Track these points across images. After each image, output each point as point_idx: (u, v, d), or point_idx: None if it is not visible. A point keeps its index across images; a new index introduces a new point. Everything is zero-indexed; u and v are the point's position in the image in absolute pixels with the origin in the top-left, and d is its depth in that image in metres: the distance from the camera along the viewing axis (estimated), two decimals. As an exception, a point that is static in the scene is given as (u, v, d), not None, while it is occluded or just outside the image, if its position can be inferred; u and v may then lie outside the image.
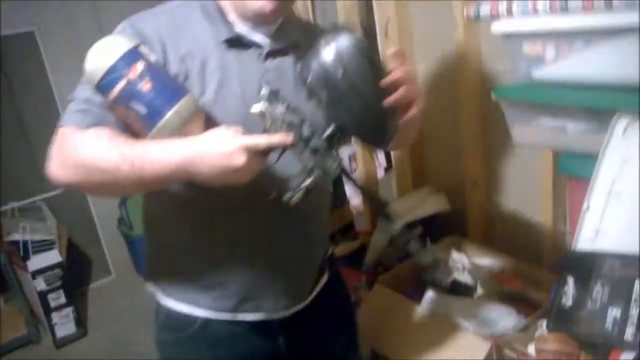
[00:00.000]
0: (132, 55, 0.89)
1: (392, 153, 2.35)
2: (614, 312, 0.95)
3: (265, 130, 0.91)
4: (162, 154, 0.88)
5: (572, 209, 1.23)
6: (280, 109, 0.90)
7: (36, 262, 2.70)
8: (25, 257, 2.70)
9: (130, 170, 0.88)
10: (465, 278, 1.72)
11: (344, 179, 0.99)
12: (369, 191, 1.02)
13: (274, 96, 0.91)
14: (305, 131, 0.91)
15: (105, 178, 0.90)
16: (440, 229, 2.02)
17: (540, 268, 1.73)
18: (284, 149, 0.92)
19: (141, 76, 0.88)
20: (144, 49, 0.91)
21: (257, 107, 0.91)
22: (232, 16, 1.02)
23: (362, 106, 0.92)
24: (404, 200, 2.04)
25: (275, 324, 1.15)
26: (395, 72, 0.93)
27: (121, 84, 0.87)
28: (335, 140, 0.94)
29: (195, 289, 1.11)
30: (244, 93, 1.00)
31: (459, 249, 1.87)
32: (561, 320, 1.00)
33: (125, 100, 0.88)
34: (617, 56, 1.05)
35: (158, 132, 0.89)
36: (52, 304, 2.72)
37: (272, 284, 1.12)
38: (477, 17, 1.31)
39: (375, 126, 0.98)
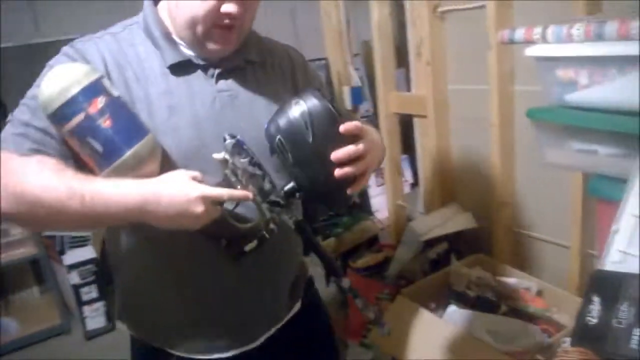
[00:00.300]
0: (94, 88, 0.82)
1: (419, 169, 2.37)
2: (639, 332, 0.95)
3: (224, 176, 0.90)
4: (117, 192, 0.82)
5: (600, 231, 1.24)
6: (243, 160, 0.89)
7: (72, 256, 2.78)
8: (61, 252, 2.79)
9: (79, 207, 0.81)
10: (489, 295, 1.73)
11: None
12: (321, 250, 0.98)
13: (237, 148, 0.89)
14: (266, 185, 0.90)
15: (50, 213, 0.82)
16: (466, 246, 2.03)
17: (565, 290, 1.73)
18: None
19: (101, 112, 0.81)
20: (106, 82, 0.86)
21: (220, 155, 0.90)
22: (177, 37, 0.97)
23: (324, 173, 0.89)
24: (431, 216, 2.05)
25: (253, 353, 1.10)
26: (348, 148, 0.88)
27: (79, 118, 0.80)
28: (293, 198, 0.93)
29: (165, 329, 1.07)
30: (196, 118, 0.95)
31: (484, 266, 1.88)
32: (585, 338, 1.00)
33: (82, 134, 0.82)
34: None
35: (113, 171, 0.83)
36: (85, 297, 2.79)
37: (244, 318, 1.07)
38: (512, 41, 1.33)
39: (333, 192, 0.94)
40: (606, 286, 1.05)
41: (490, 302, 1.68)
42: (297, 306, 1.18)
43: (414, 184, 2.70)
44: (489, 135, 1.86)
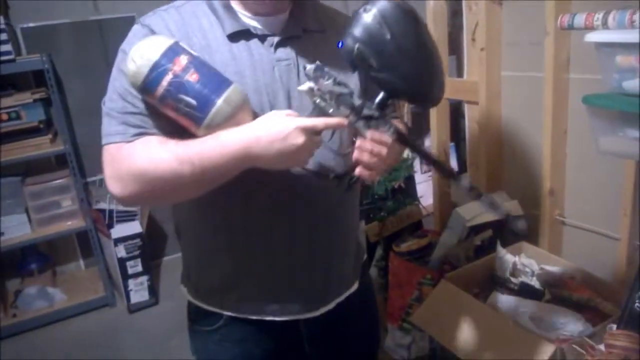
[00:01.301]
0: (174, 50, 0.89)
1: (467, 155, 2.40)
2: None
3: (314, 104, 0.92)
4: (219, 145, 0.88)
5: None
6: (327, 83, 0.89)
7: (119, 230, 2.92)
8: (110, 226, 2.93)
9: (191, 171, 0.89)
10: (533, 282, 1.76)
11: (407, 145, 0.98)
12: (433, 158, 1.01)
13: (320, 71, 0.89)
14: (356, 101, 0.91)
15: (167, 184, 0.91)
16: (511, 233, 2.05)
17: (611, 281, 1.75)
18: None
19: (186, 68, 0.88)
20: (183, 44, 0.92)
21: (305, 86, 0.91)
22: (236, 6, 1.01)
23: (411, 66, 0.91)
24: (475, 203, 2.07)
25: (301, 324, 1.15)
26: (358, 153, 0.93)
27: (167, 78, 0.87)
28: (386, 106, 0.95)
29: (218, 290, 1.13)
30: (258, 85, 0.99)
31: (529, 254, 1.90)
32: (633, 323, 1.04)
33: (174, 94, 0.88)
34: None
35: (210, 121, 0.89)
36: (130, 271, 2.92)
37: (294, 286, 1.12)
38: (571, 26, 1.35)
39: (425, 84, 0.96)
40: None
41: (534, 289, 1.71)
42: (356, 285, 1.23)
43: (459, 171, 2.72)
44: (541, 123, 1.87)
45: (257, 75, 0.99)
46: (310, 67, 0.89)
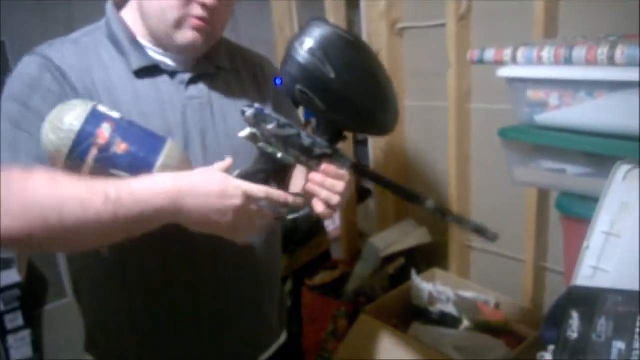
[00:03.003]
0: (94, 119, 0.78)
1: (372, 183, 2.42)
2: (619, 345, 1.02)
3: (260, 150, 0.86)
4: (148, 185, 0.77)
5: (567, 247, 1.32)
6: (270, 127, 0.82)
7: (-8, 281, 2.59)
8: (-21, 276, 2.60)
9: (104, 205, 0.73)
10: (449, 309, 1.79)
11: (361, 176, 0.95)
12: (397, 185, 0.93)
13: (260, 116, 0.82)
14: (305, 141, 0.85)
15: (69, 220, 0.73)
16: (422, 260, 2.09)
17: (521, 302, 1.82)
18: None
19: (111, 139, 0.78)
20: (103, 107, 0.81)
21: (246, 131, 0.84)
22: (141, 38, 0.94)
23: (362, 102, 0.85)
24: (389, 232, 2.10)
25: None
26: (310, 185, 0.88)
27: (93, 154, 0.77)
28: (338, 141, 0.90)
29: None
30: (167, 126, 0.91)
31: (442, 280, 1.94)
32: (567, 352, 1.07)
33: (102, 169, 0.78)
34: (619, 108, 1.15)
35: None
36: (9, 326, 2.61)
37: (221, 348, 1.04)
38: (481, 60, 1.40)
39: (379, 116, 0.90)
40: (583, 301, 1.12)
41: (453, 317, 1.74)
42: (284, 336, 1.17)
43: (362, 198, 2.74)
44: (445, 151, 1.93)
45: (167, 116, 0.92)
46: (249, 111, 0.82)
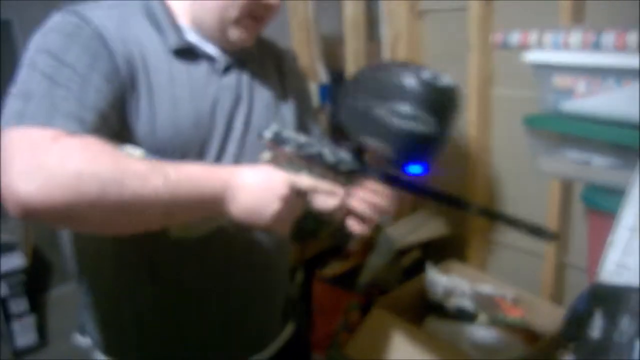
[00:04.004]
0: None
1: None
2: (642, 345, 1.02)
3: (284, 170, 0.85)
4: (203, 168, 0.78)
5: (592, 242, 1.31)
6: (290, 150, 0.83)
7: (-3, 265, 2.62)
8: (-16, 259, 2.63)
9: (163, 184, 0.70)
10: (465, 304, 1.78)
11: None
12: (439, 193, 0.90)
13: (278, 137, 0.83)
14: (329, 158, 0.84)
15: (128, 195, 0.68)
16: (438, 252, 2.08)
17: (540, 297, 1.81)
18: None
19: None
20: None
21: (267, 156, 0.85)
22: (183, 20, 0.92)
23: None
24: (404, 222, 2.09)
25: None
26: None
27: None
28: (363, 153, 0.87)
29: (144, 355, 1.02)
30: (198, 116, 0.90)
31: (458, 273, 1.93)
32: (589, 351, 1.06)
33: None
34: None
35: None
36: (14, 311, 2.65)
37: (226, 339, 1.04)
38: (506, 45, 1.38)
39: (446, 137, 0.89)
40: (607, 300, 1.11)
41: (469, 313, 1.73)
42: (289, 328, 1.17)
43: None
44: (465, 140, 1.91)
45: (197, 103, 0.90)
46: (267, 134, 0.82)
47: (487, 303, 1.77)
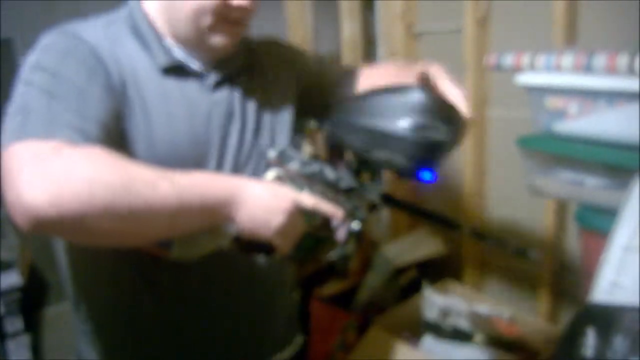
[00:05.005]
0: None
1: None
2: (635, 364, 1.03)
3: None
4: (208, 176, 0.81)
5: (586, 261, 1.33)
6: (295, 167, 0.86)
7: (-8, 283, 2.62)
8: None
9: (170, 188, 0.70)
10: (462, 323, 1.79)
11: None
12: (430, 214, 0.94)
13: (283, 156, 0.86)
14: (329, 175, 0.87)
15: (138, 202, 0.68)
16: (434, 271, 2.10)
17: (536, 316, 1.82)
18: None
19: None
20: None
21: (273, 173, 0.87)
22: (168, 39, 0.92)
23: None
24: (401, 241, 2.11)
25: None
26: None
27: None
28: (361, 171, 0.90)
29: None
30: (194, 132, 0.91)
31: (455, 293, 1.94)
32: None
33: None
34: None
35: None
36: (9, 330, 2.65)
37: (230, 357, 1.04)
38: (499, 66, 1.41)
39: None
40: (600, 319, 1.13)
41: (466, 333, 1.74)
42: (299, 339, 1.20)
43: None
44: (461, 159, 1.94)
45: (193, 119, 0.91)
46: (272, 153, 0.86)
47: (483, 323, 1.78)
